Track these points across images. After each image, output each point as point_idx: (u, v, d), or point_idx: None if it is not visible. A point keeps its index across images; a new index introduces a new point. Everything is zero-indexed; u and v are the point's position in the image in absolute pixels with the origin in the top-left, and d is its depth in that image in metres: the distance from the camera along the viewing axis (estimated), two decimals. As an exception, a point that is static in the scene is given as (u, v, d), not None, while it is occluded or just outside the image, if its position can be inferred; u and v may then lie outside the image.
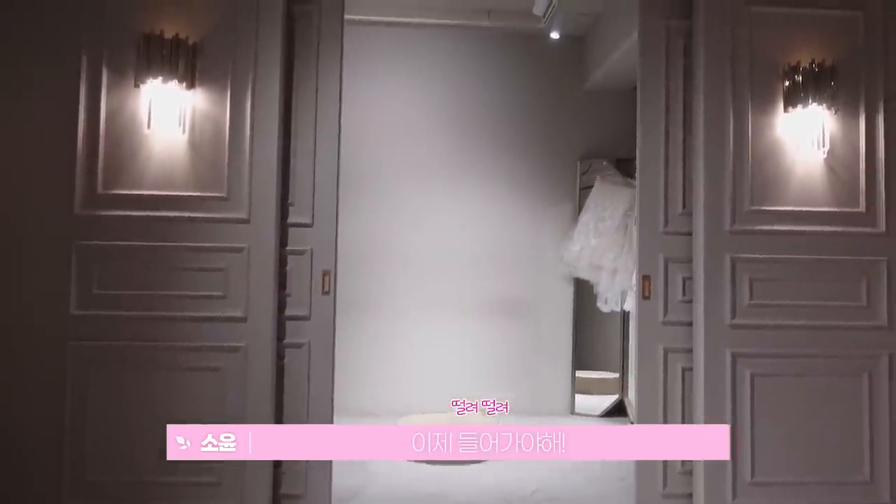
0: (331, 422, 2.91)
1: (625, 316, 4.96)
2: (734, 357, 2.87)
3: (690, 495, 2.92)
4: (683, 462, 2.93)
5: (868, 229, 2.95)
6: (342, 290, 3.27)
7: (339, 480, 3.10)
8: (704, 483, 2.84)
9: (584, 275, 4.99)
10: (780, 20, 2.97)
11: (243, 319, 2.77)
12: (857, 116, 2.97)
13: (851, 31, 2.99)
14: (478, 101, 5.19)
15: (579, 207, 5.14)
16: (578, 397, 5.12)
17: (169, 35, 2.71)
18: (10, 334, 2.73)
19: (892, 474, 2.88)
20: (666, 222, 3.01)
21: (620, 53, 4.46)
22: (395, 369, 5.03)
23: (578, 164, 5.21)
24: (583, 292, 5.14)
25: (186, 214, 2.78)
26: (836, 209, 2.95)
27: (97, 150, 2.76)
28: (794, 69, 2.90)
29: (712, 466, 2.84)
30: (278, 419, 2.84)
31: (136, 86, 2.73)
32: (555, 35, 5.04)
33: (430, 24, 5.12)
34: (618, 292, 4.79)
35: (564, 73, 5.24)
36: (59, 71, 2.77)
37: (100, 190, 2.76)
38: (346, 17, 3.03)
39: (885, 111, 2.96)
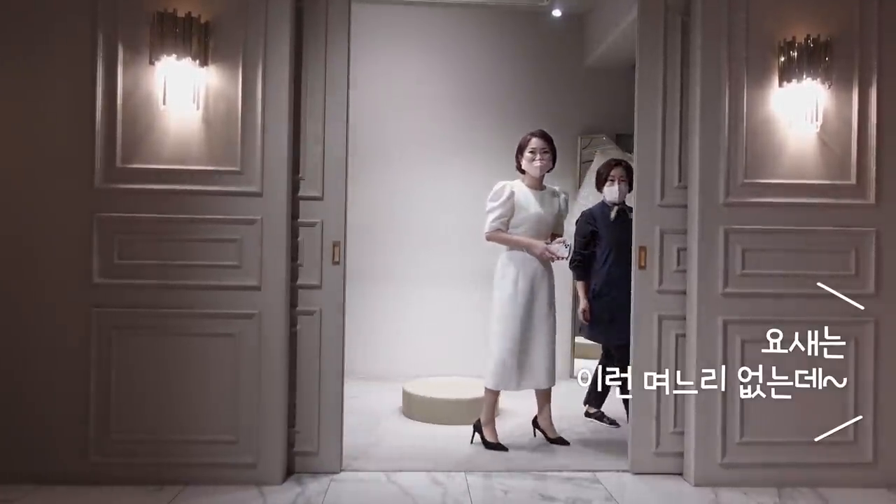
0: (341, 385, 2.89)
1: (622, 285, 4.90)
2: (725, 324, 2.82)
3: (681, 454, 2.91)
4: (675, 423, 2.91)
5: (858, 201, 2.87)
6: (352, 261, 3.24)
7: (349, 439, 3.09)
8: (695, 443, 2.82)
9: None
10: (776, -4, 2.86)
11: (257, 288, 2.74)
12: (850, 91, 2.88)
13: (846, 6, 2.87)
14: (481, 78, 5.07)
15: (580, 181, 5.05)
16: (577, 362, 5.10)
17: (181, 13, 2.63)
18: (39, 302, 2.71)
19: (875, 435, 2.85)
20: (662, 195, 2.94)
21: (620, 31, 4.34)
22: (401, 336, 5.01)
23: (579, 139, 5.11)
24: (582, 262, 5.08)
25: (202, 188, 2.73)
26: (827, 182, 2.88)
27: (115, 125, 2.71)
28: (790, 44, 2.80)
29: (703, 427, 2.82)
30: (291, 382, 2.83)
31: (151, 63, 2.67)
32: (556, 13, 4.92)
33: (434, 3, 4.98)
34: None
35: (565, 51, 5.11)
36: (76, 49, 2.70)
37: (118, 164, 2.71)
38: (353, -5, 2.94)
39: (878, 85, 2.86)
